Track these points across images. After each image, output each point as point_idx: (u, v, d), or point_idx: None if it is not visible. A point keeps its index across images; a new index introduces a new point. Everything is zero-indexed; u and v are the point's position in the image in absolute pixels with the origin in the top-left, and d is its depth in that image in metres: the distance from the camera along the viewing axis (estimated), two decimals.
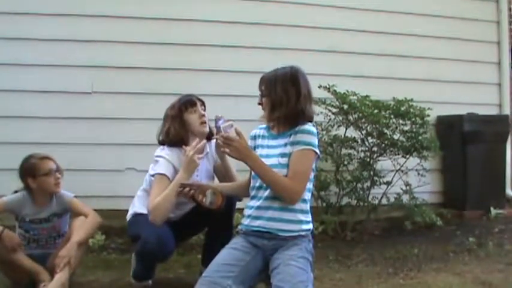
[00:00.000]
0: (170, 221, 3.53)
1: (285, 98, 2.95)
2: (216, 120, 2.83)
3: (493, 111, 6.90)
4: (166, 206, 3.27)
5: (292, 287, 2.58)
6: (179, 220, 3.64)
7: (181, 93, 5.47)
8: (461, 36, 6.80)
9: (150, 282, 3.71)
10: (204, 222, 3.68)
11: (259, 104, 3.07)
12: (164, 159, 3.48)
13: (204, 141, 3.52)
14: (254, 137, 3.17)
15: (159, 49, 5.73)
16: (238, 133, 2.85)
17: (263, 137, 3.13)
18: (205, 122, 3.59)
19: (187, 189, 3.10)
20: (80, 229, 3.62)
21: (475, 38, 6.90)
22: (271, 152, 3.00)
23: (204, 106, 3.68)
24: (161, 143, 3.63)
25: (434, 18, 6.67)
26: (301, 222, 2.94)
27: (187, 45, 5.80)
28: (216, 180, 3.75)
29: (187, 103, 3.61)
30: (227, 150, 2.83)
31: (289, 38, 6.07)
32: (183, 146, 3.47)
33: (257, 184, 2.98)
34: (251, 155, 2.86)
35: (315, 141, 2.94)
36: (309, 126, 2.94)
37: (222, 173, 3.70)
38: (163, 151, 3.54)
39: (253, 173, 3.01)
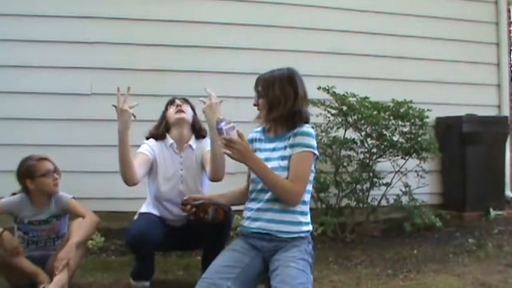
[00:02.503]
0: (172, 225, 3.72)
1: (283, 98, 2.94)
2: (218, 122, 2.81)
3: (492, 112, 6.91)
4: (121, 165, 3.56)
5: None
6: (179, 228, 3.72)
7: (180, 94, 5.48)
8: (460, 37, 6.81)
9: (147, 283, 3.71)
10: (197, 241, 3.73)
11: (255, 105, 3.06)
12: (146, 144, 3.77)
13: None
14: (251, 141, 3.15)
15: (158, 50, 5.74)
16: (239, 135, 2.83)
17: (260, 140, 3.12)
18: (180, 111, 3.76)
19: (188, 207, 3.09)
20: (78, 230, 3.61)
21: (474, 39, 6.91)
22: (271, 156, 2.98)
23: (189, 104, 3.86)
24: (147, 138, 3.85)
25: (433, 20, 6.67)
26: (300, 223, 2.93)
27: (186, 47, 5.81)
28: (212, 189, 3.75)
29: (168, 103, 3.86)
30: (229, 152, 2.81)
31: (288, 39, 6.08)
32: None
33: (258, 187, 2.97)
34: (253, 157, 2.85)
35: (314, 142, 2.94)
36: (307, 128, 2.94)
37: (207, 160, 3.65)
38: (148, 140, 3.81)
39: (252, 176, 3.00)
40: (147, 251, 3.54)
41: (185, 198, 3.15)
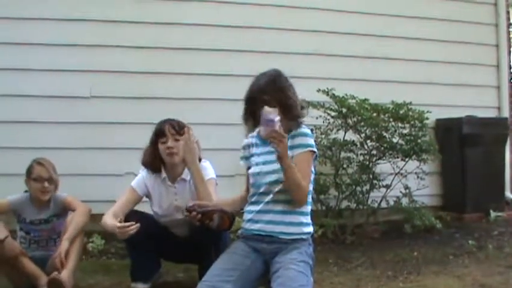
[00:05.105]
0: (176, 235, 3.77)
1: (294, 100, 2.95)
2: (266, 113, 2.64)
3: (491, 114, 6.91)
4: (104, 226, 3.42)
5: None
6: (181, 239, 3.74)
7: (178, 97, 5.49)
8: (460, 39, 6.81)
9: (144, 285, 3.70)
10: (192, 256, 3.74)
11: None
12: (142, 177, 3.77)
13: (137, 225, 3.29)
14: (248, 146, 3.14)
15: (156, 53, 5.75)
16: None
17: (256, 145, 3.11)
18: (172, 154, 3.61)
19: (194, 213, 3.06)
20: (69, 225, 3.69)
21: (473, 41, 6.91)
22: (269, 159, 2.97)
23: (180, 133, 3.63)
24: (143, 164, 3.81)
25: (432, 21, 6.67)
26: (301, 224, 2.94)
27: (183, 50, 5.82)
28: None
29: (158, 132, 3.68)
30: (280, 148, 2.67)
31: (287, 41, 6.09)
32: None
33: (260, 190, 2.97)
34: (287, 154, 2.78)
35: (313, 142, 2.96)
36: (305, 129, 2.95)
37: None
38: (144, 171, 3.78)
39: (252, 180, 3.00)
40: (140, 239, 3.44)
41: (190, 204, 3.09)
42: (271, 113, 2.64)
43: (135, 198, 3.71)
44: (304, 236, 2.95)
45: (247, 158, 3.14)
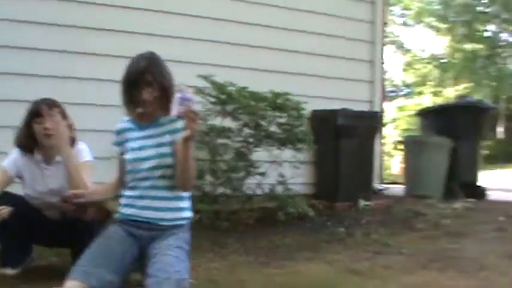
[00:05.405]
0: (49, 218, 3.61)
1: (172, 83, 2.87)
2: (183, 92, 2.53)
3: (364, 107, 7.18)
4: None
5: (168, 277, 2.55)
6: (55, 223, 3.58)
7: (56, 75, 5.26)
8: (337, 33, 7.05)
9: (17, 270, 3.57)
10: (65, 241, 3.62)
11: (147, 100, 2.85)
12: (13, 157, 3.58)
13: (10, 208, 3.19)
14: (122, 131, 3.01)
15: (35, 29, 5.48)
16: None
17: (130, 129, 2.99)
18: (49, 135, 3.42)
19: (68, 204, 2.93)
20: None
21: (350, 36, 7.17)
22: (146, 143, 2.90)
23: (56, 110, 3.44)
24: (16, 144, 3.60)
25: (312, 14, 6.85)
26: (181, 209, 2.94)
27: (63, 27, 5.59)
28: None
29: (34, 112, 3.49)
30: (193, 128, 2.61)
31: (169, 24, 6.02)
32: None
33: (138, 176, 2.88)
34: None
35: None
36: None
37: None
38: (16, 152, 3.59)
39: (131, 167, 2.90)
40: (10, 222, 3.24)
41: (66, 194, 2.97)
42: (189, 92, 2.55)
43: (6, 180, 3.52)
44: (183, 222, 2.94)
45: (121, 143, 3.02)
